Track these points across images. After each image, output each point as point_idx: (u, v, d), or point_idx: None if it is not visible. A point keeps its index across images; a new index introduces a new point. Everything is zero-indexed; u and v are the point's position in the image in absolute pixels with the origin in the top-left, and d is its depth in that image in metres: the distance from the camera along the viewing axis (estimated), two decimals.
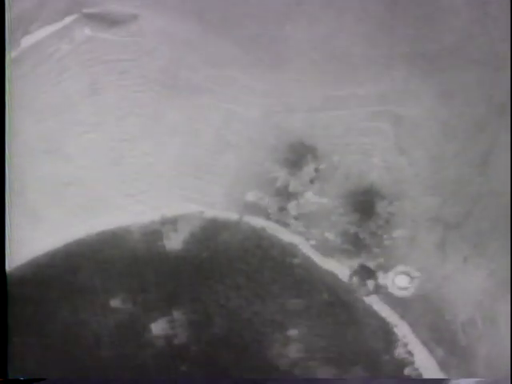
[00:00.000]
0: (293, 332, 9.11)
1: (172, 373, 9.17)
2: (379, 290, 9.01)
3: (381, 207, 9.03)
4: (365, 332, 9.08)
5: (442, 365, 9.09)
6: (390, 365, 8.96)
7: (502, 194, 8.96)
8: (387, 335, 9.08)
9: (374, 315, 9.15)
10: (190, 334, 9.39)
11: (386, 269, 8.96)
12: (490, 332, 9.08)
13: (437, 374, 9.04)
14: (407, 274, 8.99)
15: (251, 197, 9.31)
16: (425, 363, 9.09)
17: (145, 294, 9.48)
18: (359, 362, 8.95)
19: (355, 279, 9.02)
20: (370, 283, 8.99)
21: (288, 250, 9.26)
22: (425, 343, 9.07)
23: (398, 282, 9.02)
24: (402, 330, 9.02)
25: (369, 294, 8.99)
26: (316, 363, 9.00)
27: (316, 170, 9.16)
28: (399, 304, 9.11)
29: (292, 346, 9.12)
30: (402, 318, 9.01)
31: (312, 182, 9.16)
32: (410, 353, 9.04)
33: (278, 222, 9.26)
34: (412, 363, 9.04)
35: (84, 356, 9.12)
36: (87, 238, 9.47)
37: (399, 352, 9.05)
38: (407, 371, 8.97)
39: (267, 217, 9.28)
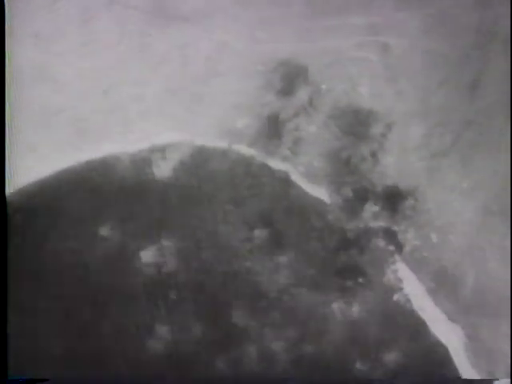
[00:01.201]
0: (282, 259, 8.81)
1: (161, 301, 8.87)
2: (371, 217, 8.76)
3: (368, 135, 8.76)
4: (355, 259, 8.78)
5: (431, 292, 8.85)
6: (379, 290, 8.68)
7: (492, 120, 8.71)
8: (378, 261, 8.81)
9: (366, 241, 8.84)
10: (179, 261, 9.08)
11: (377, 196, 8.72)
12: (477, 260, 8.82)
13: (425, 300, 8.78)
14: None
15: (240, 125, 9.01)
16: (414, 290, 8.82)
17: (134, 221, 9.17)
18: (350, 287, 8.67)
19: (346, 206, 8.74)
20: (362, 210, 8.72)
21: (278, 178, 8.96)
22: (414, 271, 8.80)
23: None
24: (394, 255, 8.73)
25: (360, 221, 8.73)
26: (305, 290, 8.71)
27: (305, 98, 8.87)
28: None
29: (281, 272, 8.81)
30: (392, 245, 8.75)
31: (301, 109, 8.87)
32: (399, 279, 8.76)
33: (267, 149, 8.96)
34: (401, 289, 8.77)
35: (72, 284, 8.79)
36: (76, 166, 9.12)
37: (389, 278, 8.77)
38: (396, 297, 8.71)
39: (256, 145, 8.98)
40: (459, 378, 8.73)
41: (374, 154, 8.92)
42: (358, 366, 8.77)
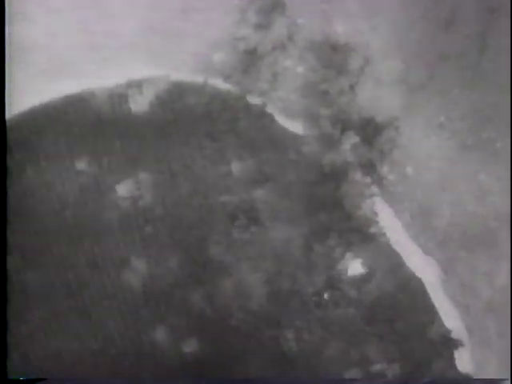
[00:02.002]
0: (259, 192, 8.61)
1: (137, 235, 8.67)
2: (348, 149, 8.56)
3: (345, 69, 8.56)
4: (331, 191, 8.60)
5: (406, 226, 8.67)
6: (355, 224, 8.51)
7: (467, 55, 8.54)
8: (354, 195, 8.63)
9: (343, 174, 8.67)
10: (155, 195, 8.93)
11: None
12: (452, 195, 8.64)
13: (401, 234, 8.60)
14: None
15: (217, 59, 8.81)
16: (389, 224, 8.65)
17: (110, 155, 8.99)
18: (327, 220, 8.48)
19: (323, 139, 8.54)
20: (339, 143, 8.53)
21: (254, 112, 8.77)
22: (390, 205, 8.63)
23: None
24: (372, 188, 8.56)
25: (337, 153, 8.53)
26: (281, 223, 8.52)
27: (282, 32, 8.67)
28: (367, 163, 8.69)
29: (258, 205, 8.61)
30: (368, 179, 8.57)
31: (278, 44, 8.66)
32: (375, 213, 8.58)
33: (243, 84, 8.76)
34: (377, 223, 8.60)
35: (49, 218, 8.60)
36: (52, 101, 8.90)
37: (365, 212, 8.59)
38: (373, 230, 8.53)
39: (233, 79, 8.79)
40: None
41: (351, 88, 8.73)
42: (337, 298, 8.59)
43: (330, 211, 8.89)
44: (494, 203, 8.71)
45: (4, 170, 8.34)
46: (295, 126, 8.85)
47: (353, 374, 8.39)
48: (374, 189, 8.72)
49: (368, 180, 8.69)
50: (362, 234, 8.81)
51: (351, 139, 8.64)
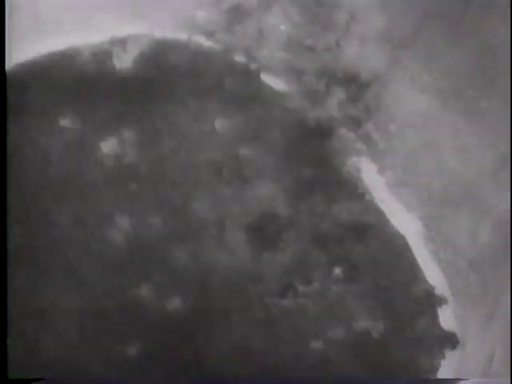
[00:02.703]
0: (243, 150, 8.41)
1: (121, 192, 8.46)
2: (333, 107, 8.39)
3: (331, 25, 8.37)
4: (316, 147, 8.41)
5: (389, 185, 8.50)
6: (339, 181, 8.34)
7: (453, 14, 8.33)
8: (338, 152, 8.47)
9: (328, 131, 8.47)
10: (139, 152, 8.66)
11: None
12: (433, 151, 8.45)
13: (384, 191, 8.42)
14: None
15: (201, 17, 8.61)
16: (373, 182, 8.46)
17: (94, 113, 8.72)
18: (312, 176, 8.30)
19: (308, 96, 8.36)
20: (324, 100, 8.34)
21: (239, 69, 8.58)
22: (374, 162, 8.45)
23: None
24: (356, 145, 8.38)
25: (322, 110, 8.35)
26: (265, 180, 8.33)
27: None
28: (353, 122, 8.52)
29: (242, 162, 8.40)
30: (352, 135, 8.39)
31: (263, 0, 8.48)
32: (359, 170, 8.40)
33: (228, 41, 8.57)
34: (361, 180, 8.42)
35: (33, 176, 8.39)
36: (36, 59, 8.69)
37: (349, 169, 8.40)
38: (357, 186, 8.35)
39: (216, 37, 8.60)
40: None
41: (337, 43, 8.53)
42: (321, 256, 8.41)
43: (315, 167, 8.55)
44: (477, 161, 8.49)
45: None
46: (280, 83, 8.63)
47: (337, 331, 8.21)
48: (360, 145, 8.49)
49: (353, 136, 8.44)
50: (346, 191, 8.57)
51: (337, 96, 8.43)
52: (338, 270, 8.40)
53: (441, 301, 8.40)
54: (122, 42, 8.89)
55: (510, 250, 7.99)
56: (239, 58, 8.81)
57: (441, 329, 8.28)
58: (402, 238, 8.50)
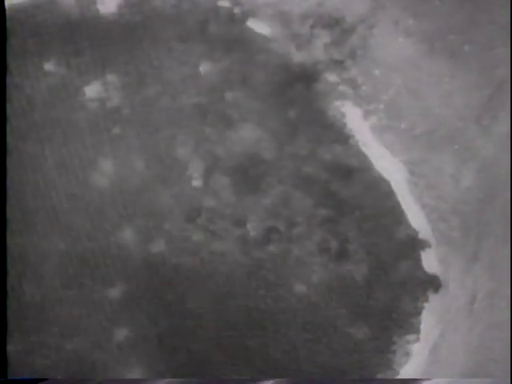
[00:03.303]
0: (228, 94, 8.28)
1: (105, 136, 8.35)
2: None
3: None
4: (301, 91, 8.29)
5: (373, 129, 8.37)
6: (323, 125, 8.19)
7: None
8: (322, 95, 8.34)
9: (313, 75, 8.33)
10: (123, 96, 8.52)
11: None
12: (417, 96, 8.32)
13: (368, 135, 8.28)
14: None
15: None
16: (357, 126, 8.33)
17: (78, 57, 8.52)
18: (297, 120, 8.15)
19: (293, 39, 8.19)
20: (310, 43, 8.18)
21: (223, 13, 8.43)
22: (358, 106, 8.32)
23: None
24: (341, 88, 8.25)
25: (307, 53, 8.18)
26: (251, 124, 8.19)
27: None
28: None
29: (227, 106, 8.27)
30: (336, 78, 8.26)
31: None
32: (343, 114, 8.25)
33: None
34: (345, 124, 8.28)
35: (17, 118, 8.24)
36: (21, 3, 8.54)
37: (334, 113, 8.26)
38: (340, 132, 8.21)
39: None
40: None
41: None
42: (305, 199, 8.26)
43: (300, 111, 8.56)
44: (460, 105, 8.40)
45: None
46: (265, 27, 8.52)
47: (320, 275, 8.09)
48: (344, 89, 8.38)
49: (338, 80, 8.34)
50: (331, 134, 8.46)
51: (321, 39, 8.30)
52: (321, 213, 8.28)
53: (424, 245, 8.18)
54: None
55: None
56: (223, 3, 8.60)
57: (424, 272, 8.15)
58: (386, 182, 8.26)
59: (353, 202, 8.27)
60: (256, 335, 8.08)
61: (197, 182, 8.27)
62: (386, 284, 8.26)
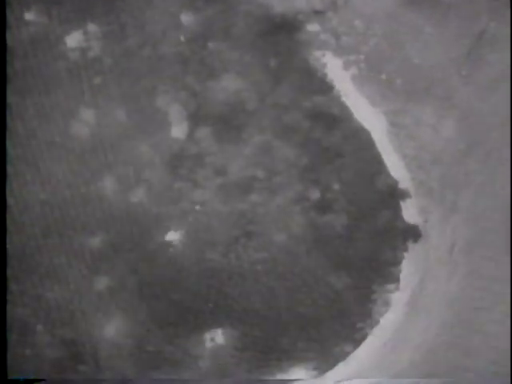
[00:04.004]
0: (211, 44, 8.08)
1: (86, 85, 8.15)
2: None
3: None
4: (283, 41, 8.10)
5: (354, 80, 8.20)
6: (303, 74, 8.02)
7: None
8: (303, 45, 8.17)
9: (295, 24, 8.09)
10: (104, 46, 8.12)
11: None
12: (397, 47, 8.15)
13: (349, 86, 8.11)
14: None
15: None
16: (338, 77, 8.16)
17: (59, 6, 8.01)
18: (278, 69, 7.98)
19: None
20: None
21: None
22: (339, 56, 8.14)
23: None
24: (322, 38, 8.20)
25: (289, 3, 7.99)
26: (233, 75, 7.99)
27: None
28: None
29: (209, 56, 8.07)
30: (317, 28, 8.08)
31: None
32: (323, 65, 8.07)
33: None
34: (325, 75, 8.12)
35: None
36: None
37: (314, 64, 8.08)
38: (322, 80, 8.03)
39: None
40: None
41: None
42: (286, 148, 8.10)
43: (282, 60, 8.06)
44: (440, 56, 8.24)
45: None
46: None
47: (299, 224, 7.89)
48: (325, 39, 8.20)
49: (319, 30, 8.15)
50: (312, 84, 8.30)
51: None
52: (302, 163, 8.10)
53: (404, 194, 8.01)
54: None
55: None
56: None
57: (403, 222, 7.97)
58: (366, 132, 8.13)
59: (333, 151, 8.09)
60: (236, 284, 7.90)
61: (178, 132, 8.07)
62: (366, 234, 8.05)
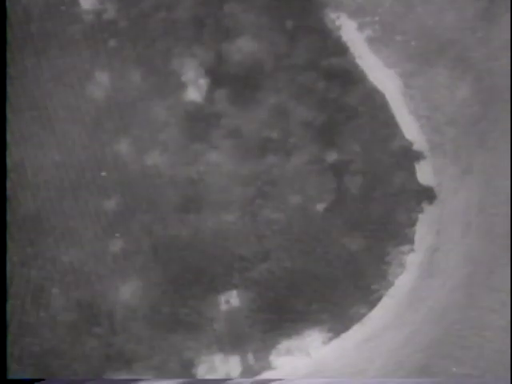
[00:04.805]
0: (227, 7, 7.87)
1: (101, 48, 7.98)
2: None
3: None
4: (297, 5, 7.91)
5: (369, 41, 8.00)
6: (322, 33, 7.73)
7: None
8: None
9: None
10: (119, 8, 7.71)
11: None
12: (411, 8, 7.94)
13: (363, 48, 7.91)
14: None
15: None
16: (352, 39, 7.96)
17: None
18: (294, 30, 7.79)
19: None
20: None
21: None
22: (353, 18, 7.92)
23: None
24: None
25: None
26: (250, 37, 7.77)
27: None
28: None
29: (225, 19, 7.87)
30: None
31: None
32: (338, 27, 7.85)
33: None
34: (340, 37, 7.91)
35: (14, 30, 7.83)
36: None
37: (328, 26, 7.85)
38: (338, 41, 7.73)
39: None
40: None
41: None
42: (301, 109, 7.91)
43: (297, 20, 7.68)
44: (455, 17, 8.05)
45: None
46: None
47: (316, 186, 7.71)
48: (340, 0, 8.00)
49: None
50: (327, 46, 8.14)
51: None
52: (317, 124, 7.90)
53: (418, 156, 7.55)
54: None
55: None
56: None
57: (418, 184, 7.57)
58: (381, 93, 7.70)
59: (347, 112, 7.91)
60: (251, 246, 7.77)
61: (193, 94, 7.89)
62: (381, 195, 7.74)
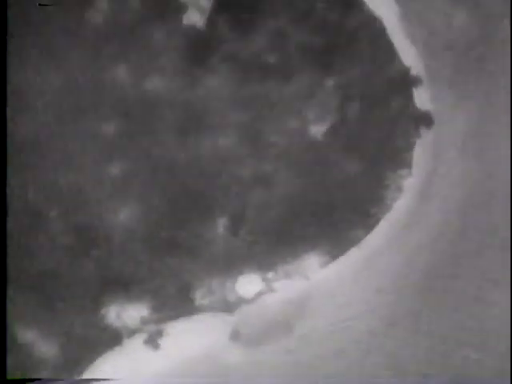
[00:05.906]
0: None
1: None
2: None
3: None
4: None
5: None
6: None
7: None
8: None
9: None
10: None
11: None
12: None
13: None
14: None
15: None
16: None
17: None
18: None
19: None
20: None
21: None
22: None
23: None
24: None
25: None
26: None
27: None
28: None
29: None
30: None
31: None
32: None
33: None
34: None
35: None
36: None
37: None
38: None
39: None
40: None
41: None
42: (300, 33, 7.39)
43: None
44: None
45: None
46: None
47: (313, 111, 7.50)
48: None
49: None
50: None
51: None
52: (315, 48, 7.52)
53: (416, 81, 6.81)
54: None
55: None
56: None
57: (416, 109, 6.97)
58: (378, 19, 7.26)
59: (347, 37, 7.72)
60: (249, 168, 7.53)
61: (192, 18, 7.74)
62: (379, 120, 7.69)
